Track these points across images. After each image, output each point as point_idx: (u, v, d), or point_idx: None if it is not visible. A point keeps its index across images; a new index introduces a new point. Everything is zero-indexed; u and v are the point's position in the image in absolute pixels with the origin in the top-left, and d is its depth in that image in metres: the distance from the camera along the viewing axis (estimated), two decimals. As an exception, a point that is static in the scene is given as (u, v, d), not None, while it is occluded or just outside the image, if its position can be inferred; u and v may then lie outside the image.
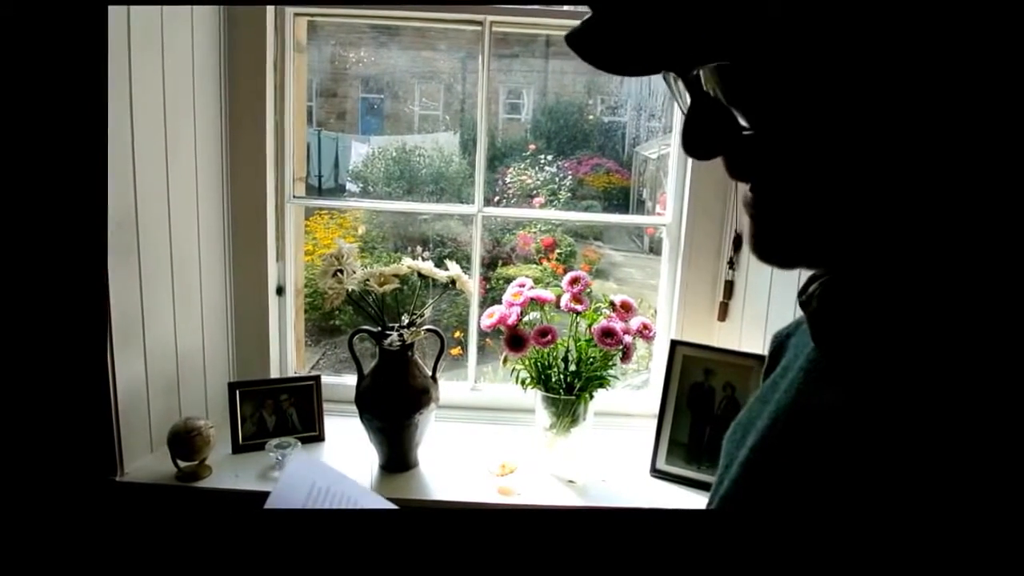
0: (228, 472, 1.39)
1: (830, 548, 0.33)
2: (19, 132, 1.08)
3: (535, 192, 4.19)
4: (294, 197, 1.67)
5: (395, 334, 1.35)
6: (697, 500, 1.39)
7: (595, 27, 0.37)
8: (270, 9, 1.54)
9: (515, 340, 1.39)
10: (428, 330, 1.41)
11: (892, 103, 0.31)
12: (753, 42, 0.32)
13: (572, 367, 1.40)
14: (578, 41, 0.37)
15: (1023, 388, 0.30)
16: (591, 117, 4.75)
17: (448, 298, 2.20)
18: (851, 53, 0.30)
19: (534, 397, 1.43)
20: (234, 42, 1.52)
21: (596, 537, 0.52)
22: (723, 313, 1.60)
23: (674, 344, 1.51)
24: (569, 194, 4.24)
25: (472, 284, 1.53)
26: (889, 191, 0.33)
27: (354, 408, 1.40)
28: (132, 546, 1.09)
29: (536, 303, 1.42)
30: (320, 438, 1.54)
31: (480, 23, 1.59)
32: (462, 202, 2.37)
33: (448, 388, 1.66)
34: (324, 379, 1.59)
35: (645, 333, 1.41)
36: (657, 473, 1.47)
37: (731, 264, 1.58)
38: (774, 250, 0.38)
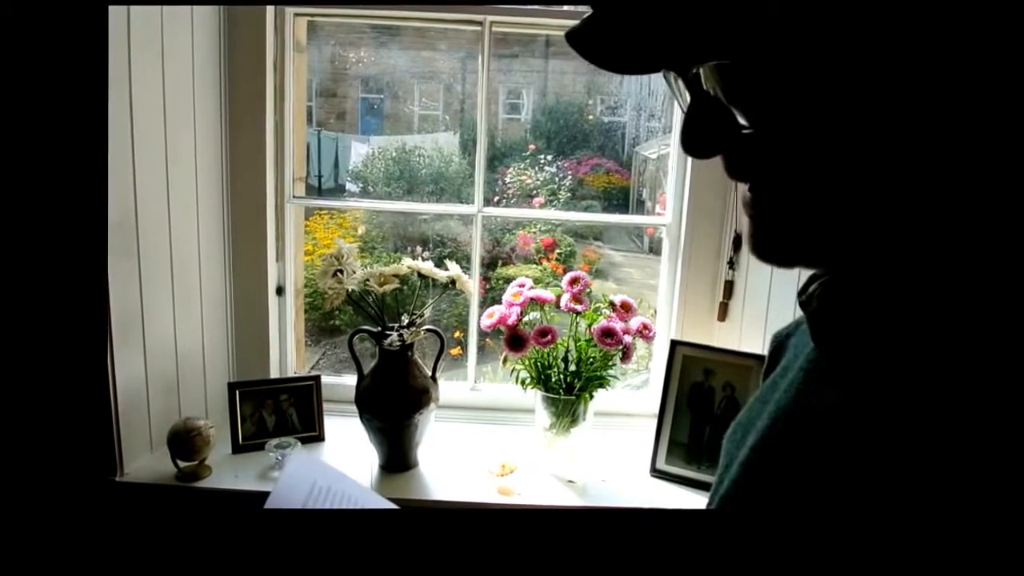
0: (228, 472, 1.39)
1: (830, 548, 0.33)
2: (19, 132, 1.08)
3: (535, 192, 4.19)
4: (294, 197, 1.67)
5: (395, 334, 1.35)
6: (697, 500, 1.39)
7: (595, 25, 0.37)
8: (270, 9, 1.54)
9: (515, 340, 1.39)
10: (428, 330, 1.41)
11: (892, 102, 0.31)
12: (753, 41, 0.32)
13: (572, 367, 1.40)
14: (578, 39, 0.37)
15: (1023, 388, 0.30)
16: (591, 117, 4.76)
17: (448, 298, 2.20)
18: (851, 52, 0.30)
19: (534, 397, 1.43)
20: (234, 42, 1.52)
21: (596, 537, 0.52)
22: (723, 313, 1.60)
23: (674, 344, 1.51)
24: (569, 194, 4.24)
25: (472, 284, 1.53)
26: (888, 190, 0.33)
27: (354, 408, 1.40)
28: (132, 546, 1.09)
29: (536, 303, 1.42)
30: (320, 438, 1.54)
31: (480, 23, 1.59)
32: (462, 202, 2.37)
33: (448, 388, 1.66)
34: (324, 379, 1.59)
35: (645, 333, 1.41)
36: (657, 473, 1.47)
37: (731, 264, 1.58)
38: (773, 249, 0.38)
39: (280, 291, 1.68)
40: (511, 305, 1.41)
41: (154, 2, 1.30)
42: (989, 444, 0.30)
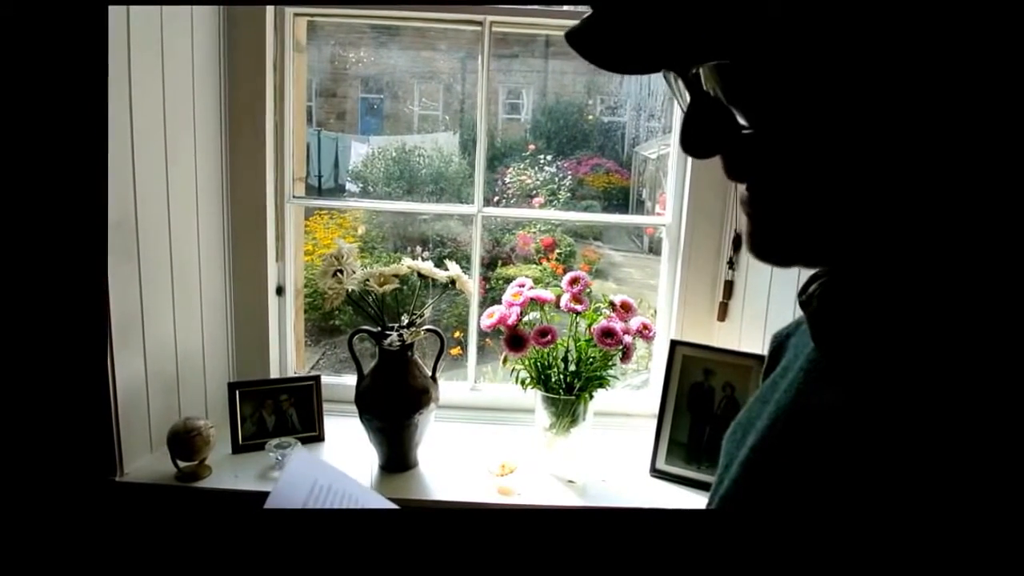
0: (228, 472, 1.39)
1: (830, 548, 0.33)
2: (19, 133, 1.08)
3: (535, 192, 4.19)
4: (294, 197, 1.67)
5: (395, 334, 1.35)
6: (697, 500, 1.39)
7: (595, 25, 0.37)
8: (270, 9, 1.54)
9: (515, 340, 1.39)
10: (428, 330, 1.41)
11: (891, 102, 0.31)
12: (753, 41, 0.32)
13: (572, 367, 1.40)
14: (578, 39, 0.37)
15: (1023, 388, 0.30)
16: (591, 117, 4.76)
17: (448, 298, 2.20)
18: (850, 52, 0.30)
19: (534, 397, 1.43)
20: (234, 42, 1.52)
21: (596, 537, 0.52)
22: (723, 313, 1.60)
23: (674, 344, 1.52)
24: (569, 194, 4.25)
25: (472, 284, 1.53)
26: (888, 190, 0.33)
27: (354, 408, 1.40)
28: (132, 546, 1.09)
29: (536, 303, 1.42)
30: (320, 438, 1.54)
31: (480, 23, 1.59)
32: (462, 202, 2.37)
33: (448, 388, 1.66)
34: (324, 379, 1.59)
35: (645, 333, 1.41)
36: (657, 473, 1.47)
37: (731, 264, 1.59)
38: (772, 249, 0.38)
39: (280, 291, 1.68)
40: (511, 305, 1.41)
41: (154, 2, 1.30)
42: (989, 444, 0.30)
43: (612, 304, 1.44)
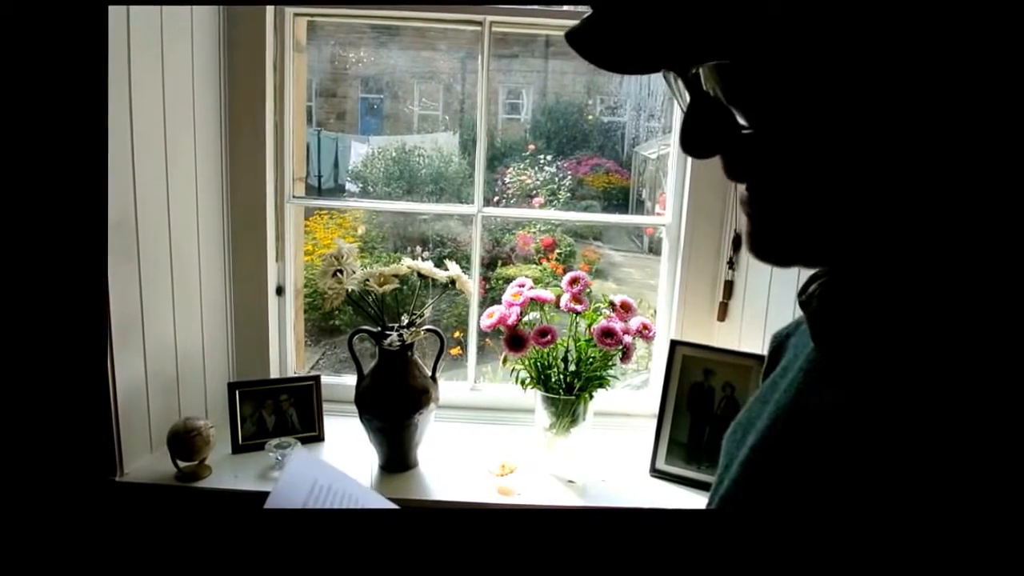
0: (228, 472, 1.39)
1: (830, 548, 0.33)
2: (19, 133, 1.08)
3: (535, 192, 4.19)
4: (294, 197, 1.67)
5: (395, 334, 1.35)
6: (697, 500, 1.39)
7: (595, 25, 0.37)
8: (270, 9, 1.54)
9: (515, 340, 1.39)
10: (428, 330, 1.41)
11: (891, 102, 0.31)
12: (752, 41, 0.32)
13: (572, 367, 1.40)
14: (578, 39, 0.37)
15: (1023, 388, 0.30)
16: (590, 117, 4.76)
17: (448, 298, 2.20)
18: (850, 52, 0.30)
19: (534, 397, 1.43)
20: (234, 42, 1.52)
21: (596, 537, 0.52)
22: (723, 313, 1.60)
23: (674, 344, 1.52)
24: (568, 194, 4.25)
25: (472, 284, 1.53)
26: (888, 190, 0.33)
27: (354, 408, 1.40)
28: (132, 546, 1.09)
29: (536, 303, 1.42)
30: (320, 438, 1.54)
31: (480, 23, 1.59)
32: (462, 202, 2.37)
33: (448, 388, 1.66)
34: (324, 379, 1.59)
35: (645, 333, 1.41)
36: (657, 473, 1.47)
37: (731, 264, 1.59)
38: (771, 249, 0.38)
39: (280, 291, 1.68)
40: (511, 305, 1.41)
41: (154, 2, 1.30)
42: (989, 444, 0.30)
43: (612, 304, 1.44)
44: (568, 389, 1.39)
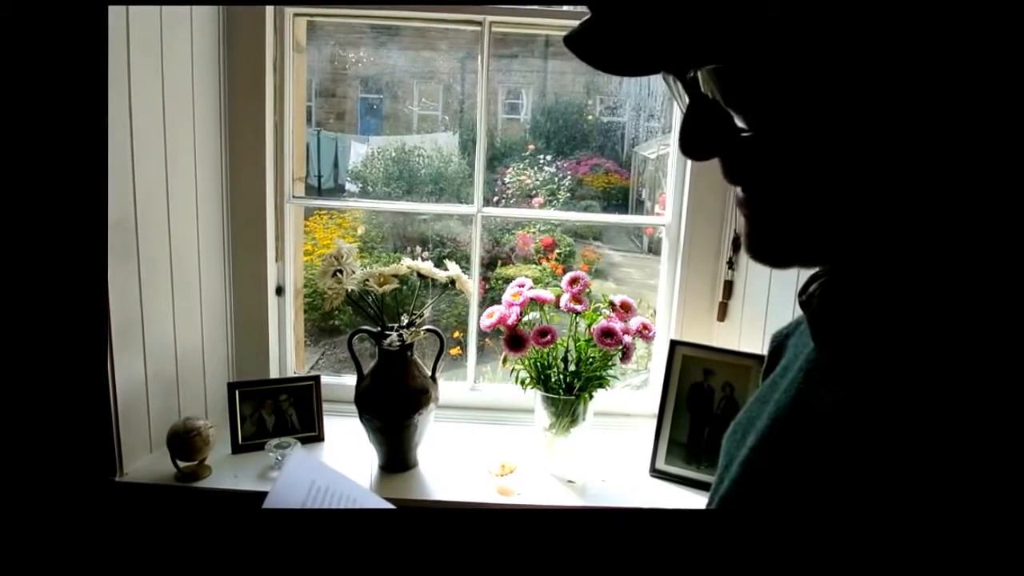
0: (227, 472, 1.39)
1: (830, 547, 0.33)
2: (19, 133, 1.08)
3: (534, 192, 4.19)
4: (293, 197, 1.67)
5: (395, 334, 1.35)
6: (697, 500, 1.39)
7: (594, 28, 0.37)
8: (270, 9, 1.54)
9: (515, 340, 1.39)
10: (427, 330, 1.41)
11: (890, 104, 0.31)
12: (750, 44, 0.32)
13: (572, 367, 1.40)
14: (577, 42, 0.37)
15: (1023, 388, 0.30)
16: (590, 117, 4.75)
17: (448, 298, 2.20)
18: (848, 55, 0.31)
19: (534, 397, 1.43)
20: (234, 42, 1.52)
21: (596, 537, 0.52)
22: (722, 313, 1.60)
23: (673, 344, 1.52)
24: (568, 194, 4.24)
25: (471, 284, 1.53)
26: (887, 191, 0.33)
27: (354, 408, 1.40)
28: (132, 546, 1.09)
29: (536, 303, 1.42)
30: (320, 438, 1.54)
31: (480, 23, 1.59)
32: (461, 202, 2.37)
33: (448, 388, 1.66)
34: (324, 379, 1.59)
35: (644, 333, 1.41)
36: (656, 473, 1.47)
37: (730, 264, 1.59)
38: (769, 251, 0.38)
39: (280, 291, 1.68)
40: (511, 305, 1.41)
41: (154, 2, 1.30)
42: (989, 443, 0.30)
43: (612, 304, 1.44)
44: (568, 389, 1.39)
